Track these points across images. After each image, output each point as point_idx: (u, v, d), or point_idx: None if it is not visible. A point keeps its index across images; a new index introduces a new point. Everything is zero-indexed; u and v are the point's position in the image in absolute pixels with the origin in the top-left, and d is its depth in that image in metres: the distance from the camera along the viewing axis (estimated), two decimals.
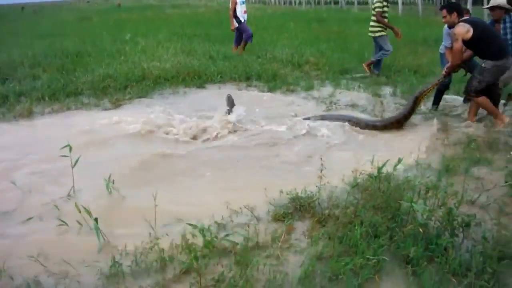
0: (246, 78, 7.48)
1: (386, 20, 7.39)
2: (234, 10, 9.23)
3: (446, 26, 5.10)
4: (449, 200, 2.96)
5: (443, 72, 5.13)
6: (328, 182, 3.25)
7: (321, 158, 3.26)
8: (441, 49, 5.71)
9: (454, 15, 4.79)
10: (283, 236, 2.78)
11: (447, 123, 5.22)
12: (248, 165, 4.06)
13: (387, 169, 3.25)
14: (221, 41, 11.09)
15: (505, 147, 4.37)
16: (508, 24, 5.28)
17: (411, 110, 5.10)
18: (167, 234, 2.84)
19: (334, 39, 11.35)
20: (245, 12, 9.48)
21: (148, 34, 12.75)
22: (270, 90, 6.86)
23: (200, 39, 11.85)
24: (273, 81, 7.19)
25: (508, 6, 5.23)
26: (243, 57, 8.77)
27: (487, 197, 3.27)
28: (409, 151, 4.11)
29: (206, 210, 3.11)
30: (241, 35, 9.43)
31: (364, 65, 7.77)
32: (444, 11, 4.82)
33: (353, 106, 5.94)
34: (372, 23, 7.52)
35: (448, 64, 5.04)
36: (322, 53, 9.25)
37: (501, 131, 4.80)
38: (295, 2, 33.46)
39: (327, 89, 6.84)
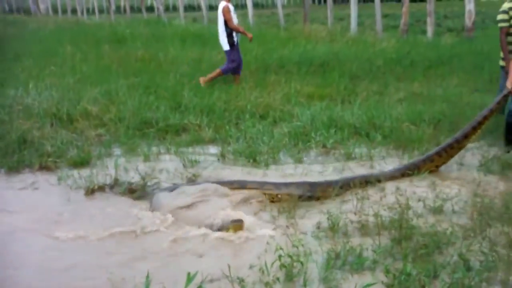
0: None
1: None
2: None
3: None
4: None
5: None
6: None
7: None
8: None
9: None
10: None
11: None
12: None
13: None
14: None
15: None
16: None
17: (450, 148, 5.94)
18: None
19: (138, 71, 11.24)
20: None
21: None
22: (10, 169, 6.33)
23: None
24: (17, 152, 6.64)
25: None
26: None
27: None
28: None
29: None
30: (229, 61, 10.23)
31: None
32: None
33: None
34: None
35: None
36: (112, 96, 8.91)
37: None
38: (82, 11, 33.37)
39: (112, 160, 6.42)
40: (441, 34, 18.23)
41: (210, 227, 4.57)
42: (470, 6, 15.74)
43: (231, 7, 10.00)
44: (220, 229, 4.50)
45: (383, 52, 12.85)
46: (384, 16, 21.48)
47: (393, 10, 27.78)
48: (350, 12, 18.43)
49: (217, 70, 10.26)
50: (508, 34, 7.17)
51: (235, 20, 10.08)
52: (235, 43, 10.09)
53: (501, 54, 7.47)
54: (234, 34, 10.04)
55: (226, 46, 10.08)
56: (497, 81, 9.98)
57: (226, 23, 9.95)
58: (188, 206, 4.96)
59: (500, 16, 7.26)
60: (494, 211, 4.56)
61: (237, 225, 4.50)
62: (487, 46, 13.40)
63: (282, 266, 3.70)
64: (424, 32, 17.63)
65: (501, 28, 7.19)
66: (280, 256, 3.70)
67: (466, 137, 6.01)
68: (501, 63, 7.57)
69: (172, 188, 5.41)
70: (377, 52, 12.82)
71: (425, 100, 8.76)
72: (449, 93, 9.17)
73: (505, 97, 6.20)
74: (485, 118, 6.06)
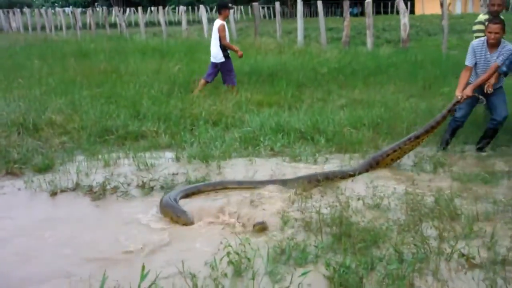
0: None
1: None
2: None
3: (474, 43, 6.45)
4: None
5: (466, 92, 6.24)
6: None
7: None
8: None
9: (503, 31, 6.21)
10: None
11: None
12: None
13: None
14: None
15: None
16: None
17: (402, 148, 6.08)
18: None
19: (99, 83, 11.06)
20: None
21: None
22: None
23: None
24: None
25: None
26: None
27: None
28: None
29: None
30: (223, 73, 10.27)
31: None
32: (499, 27, 6.14)
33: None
34: None
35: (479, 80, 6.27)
36: (75, 106, 8.71)
37: None
38: (51, 28, 32.80)
39: (74, 166, 6.29)
40: (380, 45, 18.51)
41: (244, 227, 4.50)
42: (404, 20, 16.01)
43: (225, 26, 10.17)
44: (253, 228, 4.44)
45: (327, 62, 12.96)
46: (328, 29, 21.71)
47: (336, 24, 28.06)
48: (297, 26, 18.58)
49: (230, 87, 10.27)
50: None
51: (227, 37, 10.21)
52: (229, 55, 10.21)
53: None
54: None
55: (221, 59, 10.12)
56: (430, 87, 10.20)
57: (220, 39, 10.05)
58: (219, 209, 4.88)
59: (476, 27, 7.37)
60: (425, 207, 4.60)
61: (261, 226, 4.43)
62: (421, 55, 13.67)
63: (230, 262, 3.63)
64: (364, 43, 17.84)
65: (477, 37, 7.16)
66: (228, 253, 3.64)
67: (418, 138, 6.13)
68: None
69: (178, 192, 5.26)
70: (322, 62, 12.93)
71: (365, 105, 8.82)
72: (386, 99, 9.26)
73: (455, 105, 6.33)
74: (438, 123, 6.25)
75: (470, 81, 6.43)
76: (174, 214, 4.75)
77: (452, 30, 22.41)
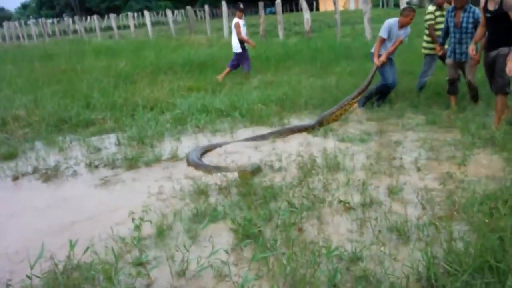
0: None
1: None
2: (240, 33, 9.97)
3: (390, 21, 6.74)
4: None
5: (381, 59, 6.65)
6: None
7: None
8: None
9: None
10: None
11: None
12: None
13: None
14: None
15: None
16: (470, 14, 6.22)
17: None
18: None
19: (59, 81, 10.47)
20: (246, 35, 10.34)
21: None
22: None
23: None
24: None
25: None
26: None
27: None
28: None
29: None
30: (238, 63, 10.15)
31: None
32: (414, 15, 6.67)
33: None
34: (426, 38, 7.42)
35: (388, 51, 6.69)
36: (37, 102, 8.20)
37: None
38: (23, 36, 31.16)
39: (34, 153, 5.85)
40: (290, 36, 18.43)
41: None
42: (307, 16, 15.98)
43: (241, 22, 10.02)
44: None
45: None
46: (250, 25, 21.39)
47: (255, 21, 27.72)
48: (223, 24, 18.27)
49: (228, 70, 10.20)
50: (434, 29, 7.22)
51: (243, 32, 10.03)
52: (245, 47, 10.13)
53: (424, 44, 7.49)
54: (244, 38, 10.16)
55: (238, 49, 10.05)
56: (326, 68, 10.18)
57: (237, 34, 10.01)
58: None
59: (428, 16, 7.30)
60: (314, 164, 4.52)
61: (244, 172, 4.35)
62: (320, 43, 13.67)
63: (137, 227, 3.28)
64: (277, 35, 17.72)
65: (430, 25, 7.25)
66: (138, 219, 3.37)
67: (354, 98, 6.55)
68: (424, 51, 7.52)
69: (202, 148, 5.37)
70: None
71: (274, 86, 8.73)
72: (291, 79, 9.21)
73: (376, 70, 6.76)
74: (366, 86, 6.69)
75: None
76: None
77: (346, 22, 22.51)
